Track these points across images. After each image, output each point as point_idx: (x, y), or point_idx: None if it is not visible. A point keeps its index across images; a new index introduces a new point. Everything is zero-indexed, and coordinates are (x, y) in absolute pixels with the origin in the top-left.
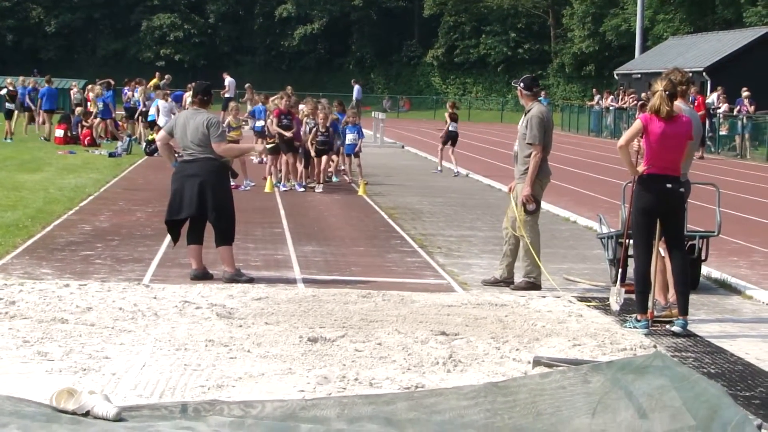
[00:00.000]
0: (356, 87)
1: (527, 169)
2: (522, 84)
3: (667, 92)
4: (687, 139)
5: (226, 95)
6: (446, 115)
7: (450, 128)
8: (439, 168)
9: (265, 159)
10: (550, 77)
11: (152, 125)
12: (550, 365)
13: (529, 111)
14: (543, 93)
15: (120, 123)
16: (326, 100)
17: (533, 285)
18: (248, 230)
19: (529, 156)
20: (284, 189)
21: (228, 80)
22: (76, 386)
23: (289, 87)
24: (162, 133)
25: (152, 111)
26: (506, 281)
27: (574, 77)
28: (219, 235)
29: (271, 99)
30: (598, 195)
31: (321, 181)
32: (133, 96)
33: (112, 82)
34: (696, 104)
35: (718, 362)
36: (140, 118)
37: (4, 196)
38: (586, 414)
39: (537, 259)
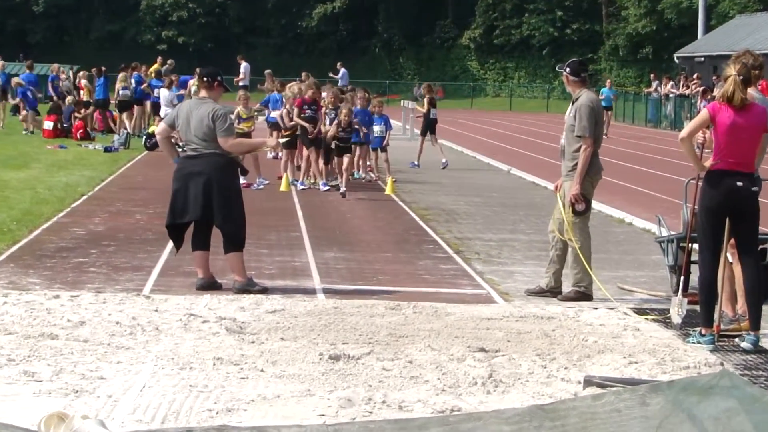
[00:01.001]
0: (342, 71)
1: (576, 164)
2: (568, 69)
3: (741, 77)
4: (761, 131)
5: (241, 83)
6: (425, 100)
7: (431, 115)
8: (416, 162)
9: (280, 154)
10: (601, 61)
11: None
12: (604, 385)
13: (577, 99)
14: (608, 82)
15: (115, 114)
16: (358, 90)
17: (584, 295)
18: (261, 234)
19: (577, 150)
20: (303, 188)
21: (243, 65)
22: (68, 410)
23: (304, 73)
24: (162, 125)
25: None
26: (553, 291)
27: (628, 61)
28: (228, 240)
29: (288, 86)
30: (656, 193)
31: (344, 184)
32: (131, 84)
33: (104, 69)
34: (760, 90)
35: None
36: (135, 108)
37: None
38: None
39: (587, 266)
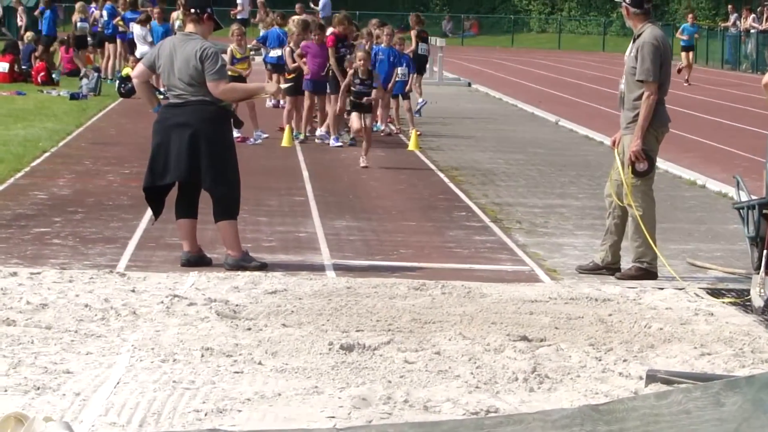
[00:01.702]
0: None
1: (637, 115)
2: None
3: None
4: None
5: (239, 16)
6: (412, 33)
7: (419, 51)
8: (421, 100)
9: (282, 102)
10: None
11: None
12: (670, 382)
13: (639, 36)
14: (690, 17)
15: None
16: (387, 26)
17: (646, 272)
18: (259, 199)
19: (639, 98)
20: (337, 144)
21: None
22: (27, 411)
23: (298, 6)
24: (140, 66)
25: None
26: (610, 267)
27: None
28: (218, 206)
29: (291, 19)
30: (734, 149)
31: (366, 154)
32: (101, 17)
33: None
34: None
35: None
36: (108, 46)
37: None
38: None
39: (651, 238)
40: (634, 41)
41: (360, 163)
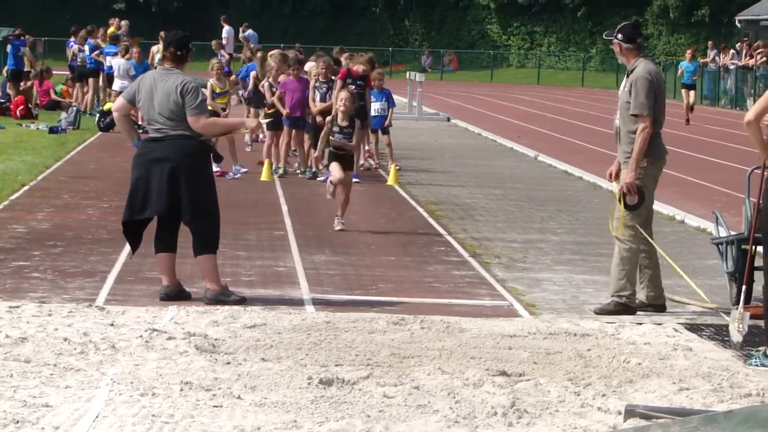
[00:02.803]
0: (226, 28)
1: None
2: (621, 35)
3: None
4: None
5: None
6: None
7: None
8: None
9: (261, 136)
10: (648, 25)
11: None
12: (648, 417)
13: (632, 71)
14: (688, 53)
15: (63, 88)
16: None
17: (626, 307)
18: (239, 233)
19: (635, 132)
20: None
21: (226, 29)
22: None
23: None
24: (120, 100)
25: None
26: (655, 305)
27: (681, 25)
28: (198, 240)
29: (270, 53)
30: (713, 185)
31: (343, 212)
32: (81, 51)
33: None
34: None
35: None
36: (89, 80)
37: None
38: None
39: (634, 273)
40: (627, 76)
41: (334, 225)
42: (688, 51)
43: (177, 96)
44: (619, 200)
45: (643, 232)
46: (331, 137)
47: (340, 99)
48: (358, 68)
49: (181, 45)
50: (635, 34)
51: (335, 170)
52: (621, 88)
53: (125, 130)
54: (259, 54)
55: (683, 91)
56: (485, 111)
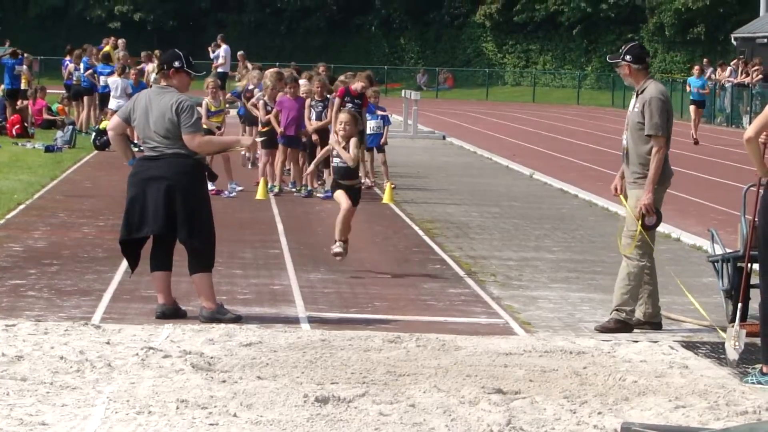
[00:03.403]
0: (222, 48)
1: (645, 169)
2: (630, 56)
3: None
4: None
5: (220, 69)
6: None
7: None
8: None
9: (257, 154)
10: (644, 43)
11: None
12: None
13: (642, 92)
14: (696, 69)
15: (59, 106)
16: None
17: (624, 325)
18: (234, 251)
19: (648, 153)
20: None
21: (223, 48)
22: None
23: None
24: (116, 119)
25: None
26: (652, 323)
27: (676, 43)
28: (194, 258)
29: (266, 72)
30: (709, 203)
31: (340, 238)
32: (76, 70)
33: (20, 52)
34: None
35: None
36: (84, 99)
37: None
38: None
39: (637, 289)
40: (636, 96)
41: (333, 248)
42: (696, 67)
43: (172, 114)
44: (637, 220)
45: (630, 250)
46: (332, 163)
47: (339, 122)
48: (357, 86)
49: (167, 63)
50: (644, 53)
51: (342, 199)
52: (630, 108)
53: (120, 148)
54: (256, 72)
55: (692, 108)
56: (481, 129)
